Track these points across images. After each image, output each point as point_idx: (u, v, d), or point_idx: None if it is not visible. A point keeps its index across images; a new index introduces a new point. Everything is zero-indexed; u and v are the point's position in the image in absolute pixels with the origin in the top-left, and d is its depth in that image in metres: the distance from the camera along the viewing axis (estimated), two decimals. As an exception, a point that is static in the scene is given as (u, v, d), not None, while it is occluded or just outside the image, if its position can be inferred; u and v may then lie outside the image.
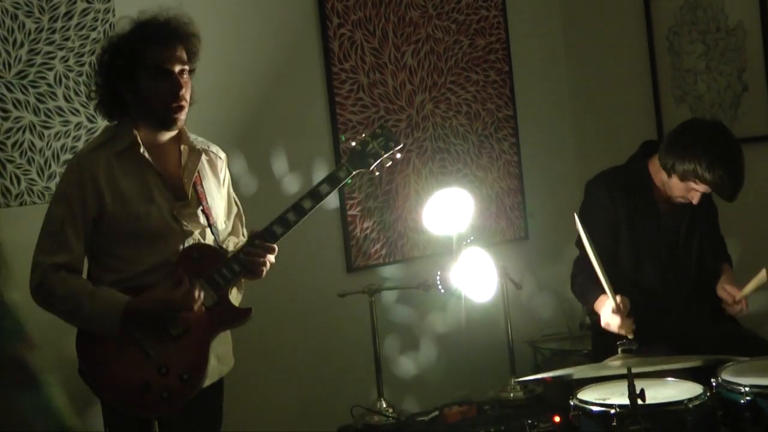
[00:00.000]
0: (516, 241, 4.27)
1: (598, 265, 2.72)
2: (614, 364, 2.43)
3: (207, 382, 2.57)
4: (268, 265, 2.61)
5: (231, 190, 2.80)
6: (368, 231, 3.80)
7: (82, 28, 3.04)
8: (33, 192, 2.92)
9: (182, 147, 2.62)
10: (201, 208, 2.60)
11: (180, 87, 2.50)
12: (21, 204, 2.90)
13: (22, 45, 2.92)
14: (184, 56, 2.53)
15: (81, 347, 2.50)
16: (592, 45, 4.46)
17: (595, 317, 3.01)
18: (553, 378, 2.79)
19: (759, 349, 2.94)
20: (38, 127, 2.95)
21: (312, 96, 3.67)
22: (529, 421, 3.14)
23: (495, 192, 4.21)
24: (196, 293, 2.47)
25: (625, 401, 2.37)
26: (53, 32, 2.98)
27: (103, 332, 2.45)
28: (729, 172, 2.88)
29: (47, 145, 2.96)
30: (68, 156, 2.99)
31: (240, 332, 2.71)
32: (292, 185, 3.56)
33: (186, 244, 2.55)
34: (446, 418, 3.31)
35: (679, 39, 4.15)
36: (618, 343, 2.47)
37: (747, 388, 2.51)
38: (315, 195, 2.65)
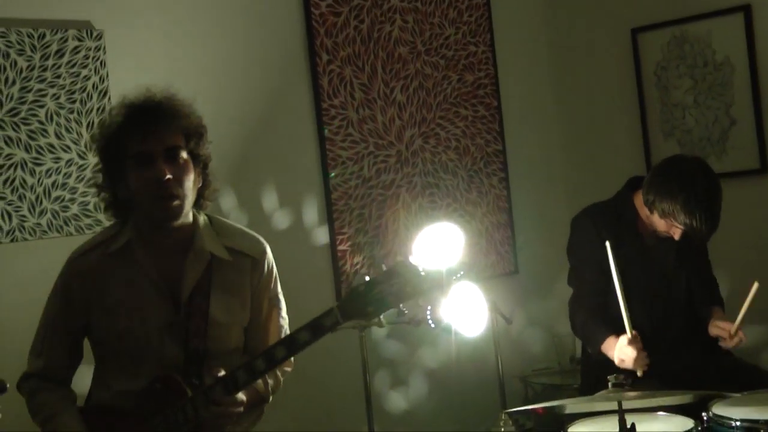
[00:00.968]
0: (506, 275, 4.28)
1: (622, 294, 2.74)
2: (605, 398, 2.43)
3: None
4: (234, 417, 2.26)
5: (272, 294, 2.46)
6: (358, 266, 3.80)
7: (74, 65, 3.06)
8: (24, 228, 2.92)
9: (193, 245, 2.32)
10: (190, 325, 2.29)
11: (163, 173, 2.19)
12: (12, 240, 2.90)
13: (14, 83, 2.94)
14: (172, 139, 2.24)
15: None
16: (580, 80, 4.51)
17: (603, 357, 2.99)
18: (545, 410, 2.79)
19: (753, 381, 2.93)
20: (30, 164, 2.95)
21: (301, 132, 3.69)
22: (521, 456, 3.13)
23: (485, 226, 4.22)
24: None
25: (616, 436, 2.36)
26: (44, 70, 3.00)
27: None
28: (704, 216, 2.88)
29: (38, 181, 2.97)
30: (59, 192, 2.99)
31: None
32: (282, 221, 3.57)
33: (161, 368, 2.28)
34: (437, 454, 3.30)
35: (666, 74, 4.20)
36: (608, 377, 2.47)
37: (738, 422, 2.51)
38: (290, 344, 2.21)
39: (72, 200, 3.03)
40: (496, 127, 4.31)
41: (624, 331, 2.88)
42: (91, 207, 3.04)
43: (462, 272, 3.41)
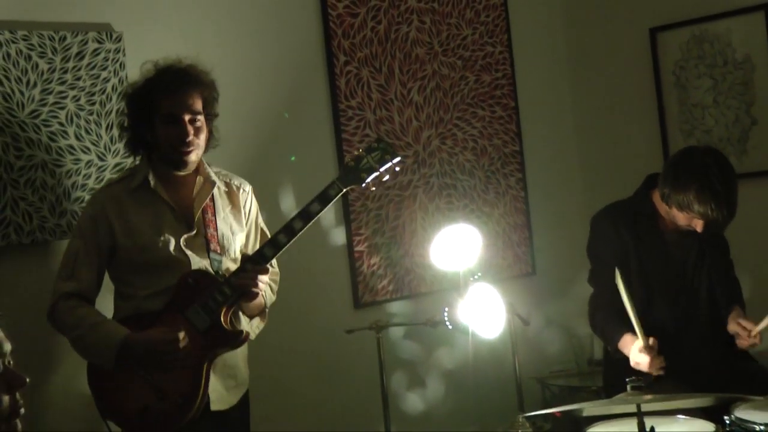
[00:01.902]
0: (523, 276, 4.27)
1: (632, 309, 2.74)
2: (623, 401, 2.42)
3: (217, 407, 2.71)
4: (261, 287, 2.69)
5: (259, 221, 2.95)
6: (375, 267, 3.80)
7: (93, 67, 3.08)
8: (45, 229, 2.94)
9: (197, 178, 2.80)
10: (205, 237, 2.73)
11: (187, 134, 2.70)
12: (32, 241, 2.92)
13: (35, 85, 2.96)
14: (196, 105, 2.73)
15: (91, 379, 2.68)
16: (598, 80, 4.49)
17: (620, 355, 2.99)
18: (562, 413, 2.78)
19: None
20: (50, 165, 2.97)
21: (319, 133, 3.69)
22: (539, 459, 3.12)
23: (502, 227, 4.21)
24: (181, 336, 2.58)
25: (635, 439, 2.35)
26: (65, 72, 3.02)
27: (101, 363, 2.62)
28: (719, 204, 2.87)
29: (59, 182, 2.99)
30: (79, 193, 3.02)
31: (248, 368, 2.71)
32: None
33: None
34: (455, 455, 3.30)
35: (686, 73, 4.17)
36: (627, 380, 2.46)
37: (762, 427, 2.46)
38: (305, 215, 2.73)
39: (91, 201, 3.05)
40: (513, 128, 4.30)
41: (644, 330, 2.87)
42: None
43: (479, 273, 3.40)
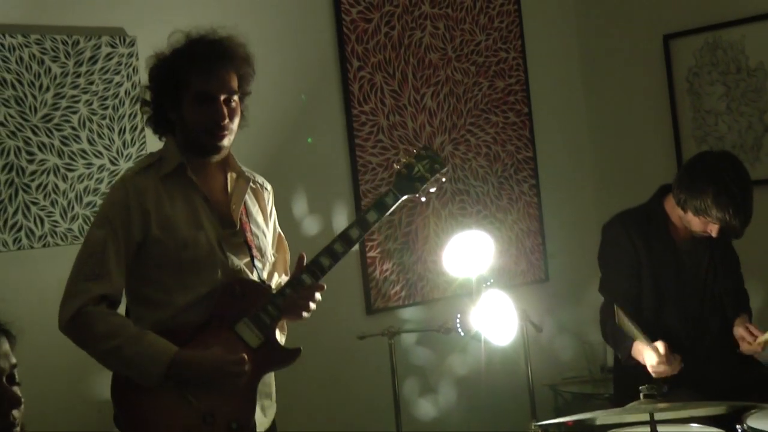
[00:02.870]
0: (536, 283, 4.25)
1: (637, 329, 2.73)
2: (637, 410, 2.41)
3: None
4: (313, 306, 2.45)
5: (277, 225, 2.67)
6: (388, 273, 3.79)
7: (106, 72, 3.08)
8: (56, 233, 2.95)
9: (229, 174, 2.49)
10: (245, 239, 2.44)
11: (223, 116, 2.36)
12: (44, 246, 2.92)
13: (48, 89, 2.96)
14: (233, 83, 2.39)
15: (117, 392, 2.32)
16: (611, 86, 4.47)
17: (633, 362, 2.98)
18: (575, 422, 2.76)
19: None
20: (62, 170, 2.98)
21: (332, 138, 3.69)
22: (550, 467, 3.10)
23: (515, 234, 4.20)
24: (246, 357, 2.30)
25: (648, 448, 2.34)
26: (78, 76, 3.02)
27: (141, 380, 2.27)
28: (736, 209, 2.86)
29: (71, 187, 2.99)
30: (91, 198, 3.02)
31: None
32: (312, 227, 3.57)
33: (227, 277, 2.38)
34: (466, 463, 3.28)
35: (699, 80, 4.16)
36: (640, 387, 2.45)
37: (774, 436, 2.46)
38: (362, 223, 2.51)
39: (104, 206, 3.05)
40: (526, 134, 4.29)
41: (655, 339, 2.86)
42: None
43: (492, 280, 3.38)
